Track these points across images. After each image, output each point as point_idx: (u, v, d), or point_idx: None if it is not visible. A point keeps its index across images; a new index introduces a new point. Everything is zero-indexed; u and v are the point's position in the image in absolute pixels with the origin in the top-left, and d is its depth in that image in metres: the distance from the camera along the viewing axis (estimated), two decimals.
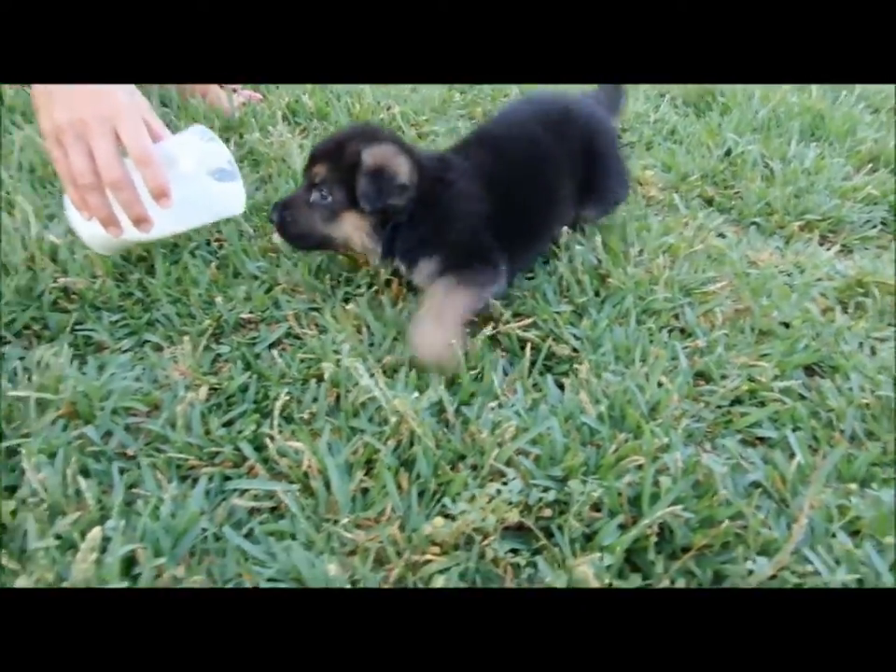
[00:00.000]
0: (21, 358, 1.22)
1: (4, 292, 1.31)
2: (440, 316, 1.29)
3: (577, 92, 1.81)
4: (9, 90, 1.99)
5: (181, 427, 1.11)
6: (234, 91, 2.18)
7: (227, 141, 1.94)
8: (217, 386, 1.22)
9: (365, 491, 1.07)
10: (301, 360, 1.28)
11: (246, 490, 1.05)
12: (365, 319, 1.37)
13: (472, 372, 1.27)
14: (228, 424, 1.15)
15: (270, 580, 0.92)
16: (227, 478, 1.08)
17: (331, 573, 0.89)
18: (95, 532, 0.85)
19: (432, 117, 2.27)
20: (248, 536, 0.99)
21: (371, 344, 1.31)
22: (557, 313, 1.43)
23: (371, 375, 1.15)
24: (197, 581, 0.91)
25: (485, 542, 0.95)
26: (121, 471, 1.05)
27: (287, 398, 1.14)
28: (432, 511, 1.03)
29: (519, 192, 1.47)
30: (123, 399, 1.15)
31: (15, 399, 1.10)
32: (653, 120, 2.42)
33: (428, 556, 0.96)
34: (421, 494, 1.05)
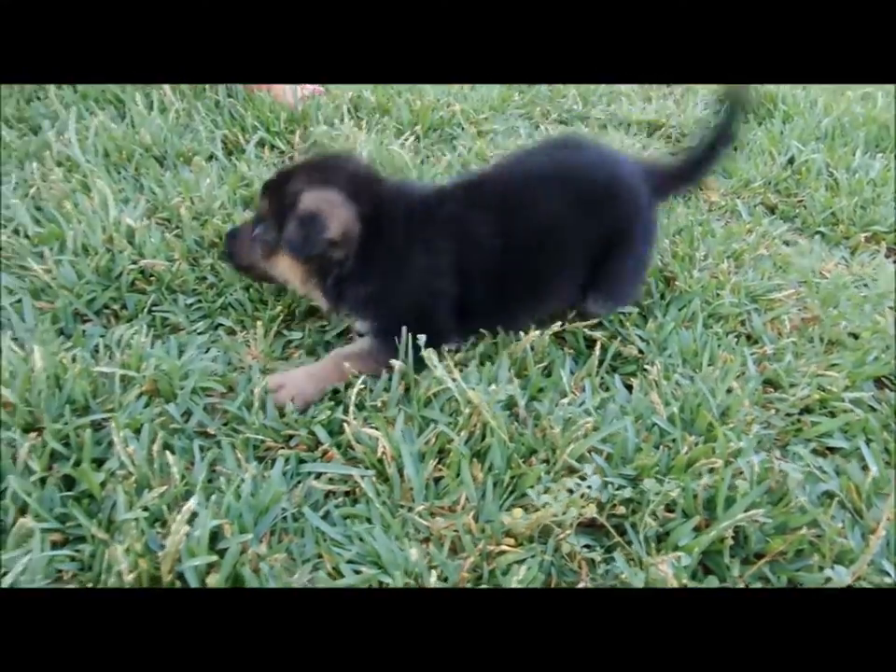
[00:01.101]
0: (102, 336, 1.25)
1: (84, 272, 1.35)
2: (322, 374, 1.20)
3: (627, 154, 1.57)
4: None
5: (257, 409, 1.13)
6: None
7: (292, 133, 1.97)
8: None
9: (437, 480, 1.08)
10: None
11: (322, 473, 1.07)
12: None
13: (539, 366, 1.27)
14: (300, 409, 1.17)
15: (349, 562, 0.94)
16: (301, 461, 1.10)
17: (413, 558, 0.90)
18: (188, 506, 0.88)
19: (491, 115, 2.27)
20: (325, 518, 1.01)
21: None
22: (623, 313, 1.43)
23: (454, 366, 1.16)
24: (278, 558, 0.93)
25: (562, 536, 0.96)
26: (202, 449, 1.08)
27: (361, 386, 1.15)
28: (505, 503, 1.04)
29: (508, 262, 1.26)
30: (202, 379, 1.18)
31: (100, 374, 1.14)
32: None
33: (504, 547, 0.97)
34: (494, 485, 1.05)
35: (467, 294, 1.25)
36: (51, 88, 1.95)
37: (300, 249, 1.20)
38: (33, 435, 1.01)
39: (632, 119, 2.39)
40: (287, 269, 1.26)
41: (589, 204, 1.29)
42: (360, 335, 1.32)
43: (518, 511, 0.97)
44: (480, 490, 1.04)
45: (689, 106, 2.52)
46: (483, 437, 1.11)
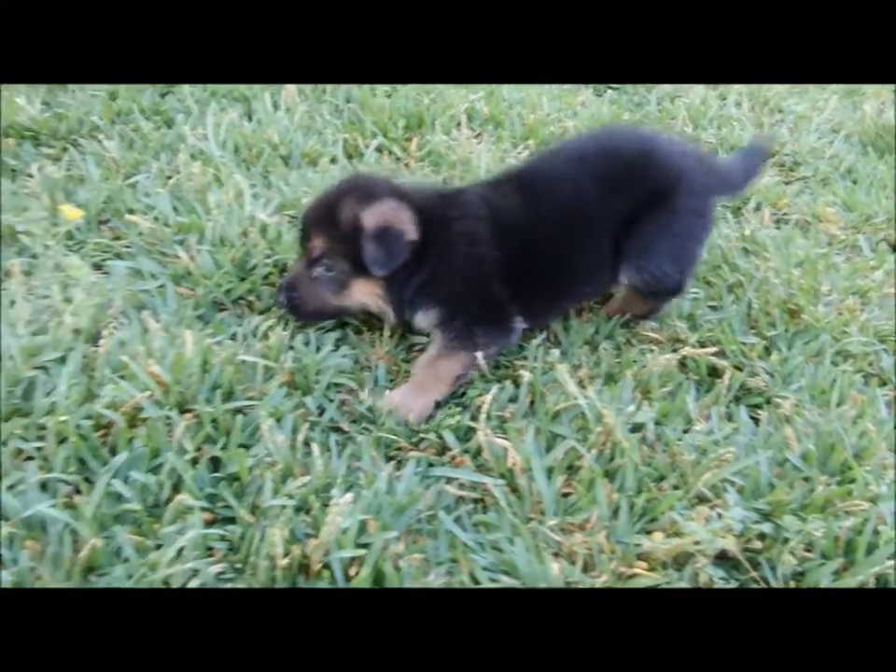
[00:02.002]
0: (239, 325, 1.30)
1: (222, 262, 1.41)
2: (422, 386, 1.20)
3: (681, 140, 1.57)
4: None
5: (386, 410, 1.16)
6: None
7: (408, 140, 2.01)
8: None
9: (564, 495, 1.08)
10: (495, 365, 1.30)
11: (454, 479, 1.08)
12: (553, 329, 1.38)
13: (663, 390, 1.26)
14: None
15: (484, 569, 0.95)
16: (430, 464, 1.11)
17: (554, 572, 0.90)
18: (346, 498, 0.90)
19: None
20: (456, 522, 1.02)
21: (563, 353, 1.32)
22: (745, 343, 1.41)
23: (578, 383, 1.17)
24: (416, 558, 0.94)
25: (700, 565, 0.95)
26: (337, 443, 1.11)
27: (490, 396, 1.16)
28: (636, 525, 1.03)
29: (543, 240, 1.29)
30: (336, 375, 1.21)
31: (242, 362, 1.18)
32: (828, 156, 2.33)
33: (636, 570, 0.96)
34: (630, 507, 1.05)
35: (510, 274, 1.27)
36: (185, 85, 2.05)
37: (387, 264, 1.20)
38: (187, 415, 1.06)
39: (743, 143, 2.34)
40: (363, 293, 1.27)
41: (619, 178, 1.32)
42: (425, 333, 1.32)
43: (658, 536, 0.96)
44: (611, 510, 1.04)
45: (803, 134, 2.46)
46: (613, 457, 1.11)
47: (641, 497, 1.04)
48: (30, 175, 1.63)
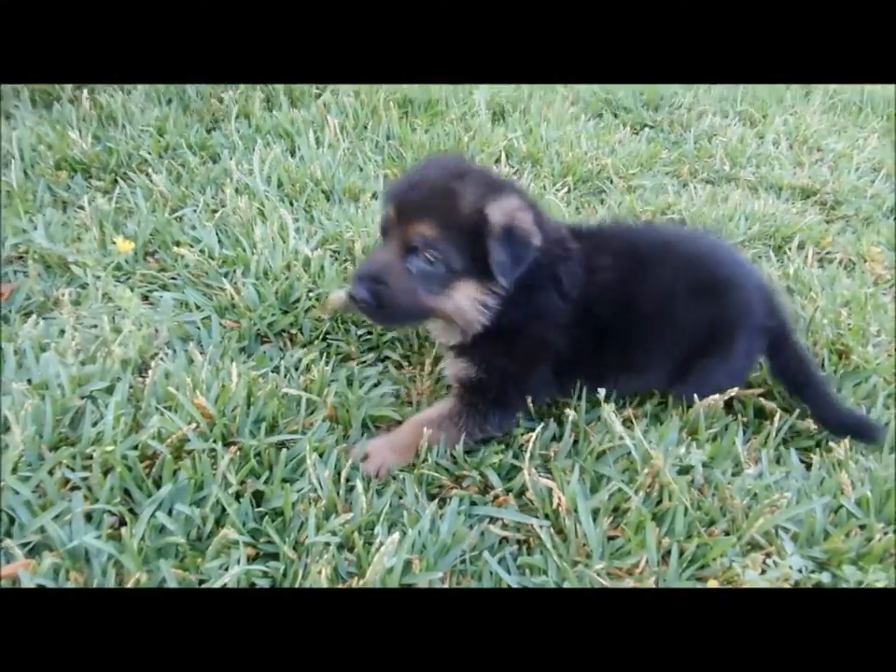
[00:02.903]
0: (281, 358, 1.31)
1: (266, 295, 1.42)
2: (405, 445, 1.13)
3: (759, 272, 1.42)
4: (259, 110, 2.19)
5: (426, 447, 1.14)
6: None
7: None
8: None
9: (611, 538, 1.05)
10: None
11: (497, 518, 1.06)
12: None
13: (710, 432, 1.23)
14: (469, 452, 1.18)
15: None
16: (473, 502, 1.09)
17: None
18: (393, 538, 0.89)
19: (639, 171, 2.27)
20: (500, 564, 1.00)
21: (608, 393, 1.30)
22: None
23: (623, 423, 1.14)
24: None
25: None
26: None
27: (535, 435, 1.14)
28: (685, 572, 1.00)
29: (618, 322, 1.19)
30: (377, 408, 1.20)
31: (284, 395, 1.18)
32: (870, 195, 2.30)
33: None
34: (670, 552, 1.02)
35: (570, 352, 1.19)
36: (232, 121, 2.10)
37: (514, 270, 1.06)
38: (231, 448, 1.06)
39: (783, 184, 2.33)
40: (466, 298, 1.10)
41: (702, 295, 1.22)
42: (448, 385, 1.24)
43: (713, 583, 0.93)
44: (660, 555, 1.01)
45: (843, 173, 2.44)
46: (660, 500, 1.08)
47: (692, 542, 1.01)
48: (81, 208, 1.67)
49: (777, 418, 1.24)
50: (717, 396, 1.23)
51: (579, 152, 2.26)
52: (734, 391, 1.23)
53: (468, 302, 1.10)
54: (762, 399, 1.31)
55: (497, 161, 2.12)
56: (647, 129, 2.68)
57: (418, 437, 1.13)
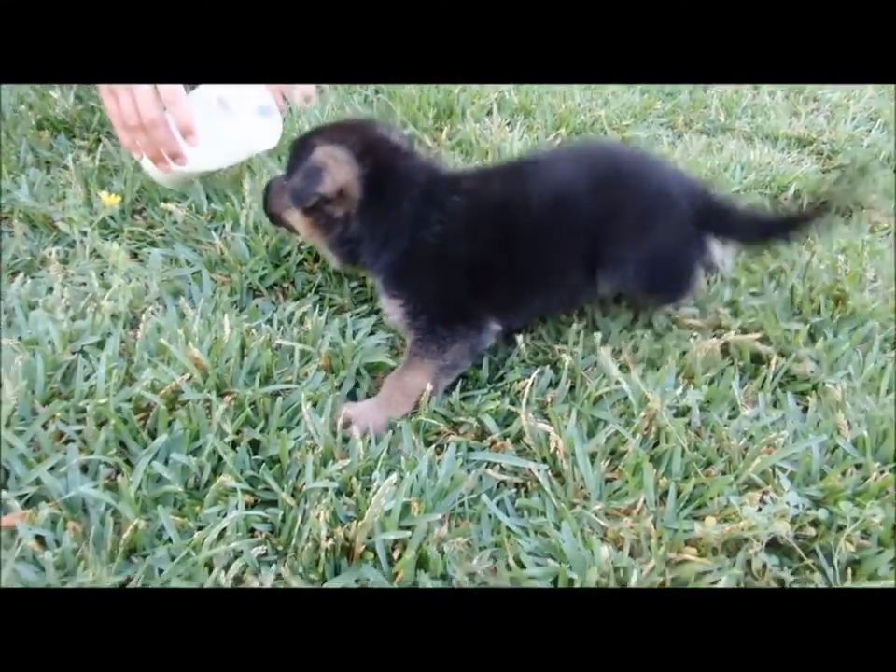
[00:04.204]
0: (274, 311, 1.30)
1: (256, 249, 1.40)
2: (388, 402, 1.13)
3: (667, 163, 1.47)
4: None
5: (425, 395, 1.14)
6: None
7: (439, 131, 1.99)
8: None
9: (607, 481, 1.06)
10: (528, 346, 1.28)
11: (495, 463, 1.06)
12: (592, 314, 1.36)
13: (706, 376, 1.23)
14: (466, 399, 1.17)
15: (529, 553, 0.93)
16: (470, 448, 1.09)
17: (604, 556, 0.88)
18: (390, 479, 0.89)
19: (633, 122, 2.23)
20: (498, 506, 1.00)
21: (604, 339, 1.29)
22: (789, 330, 1.37)
23: (620, 368, 1.14)
24: (459, 542, 0.93)
25: (753, 550, 0.92)
26: None
27: (531, 381, 1.14)
28: (683, 511, 1.00)
29: (516, 241, 1.22)
30: (372, 355, 1.20)
31: (278, 347, 1.17)
32: (866, 144, 2.28)
33: (686, 556, 0.93)
34: (667, 492, 1.02)
35: (482, 268, 1.21)
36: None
37: (295, 200, 1.21)
38: (226, 398, 1.05)
39: (779, 134, 2.30)
40: (296, 220, 1.27)
41: (598, 191, 1.23)
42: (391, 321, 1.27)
43: (711, 520, 0.93)
44: (657, 495, 1.01)
45: (839, 122, 2.41)
46: (657, 442, 1.09)
47: (689, 482, 1.01)
48: (65, 167, 1.64)
49: (773, 362, 1.24)
50: (713, 341, 1.22)
51: (572, 104, 2.22)
52: (729, 337, 1.22)
53: (298, 223, 1.28)
54: (757, 343, 1.30)
55: (489, 113, 2.08)
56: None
57: (396, 390, 1.14)
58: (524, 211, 1.22)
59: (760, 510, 0.95)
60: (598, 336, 1.16)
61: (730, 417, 1.15)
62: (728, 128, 2.34)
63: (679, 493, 1.01)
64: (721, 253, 1.34)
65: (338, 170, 1.17)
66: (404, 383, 1.15)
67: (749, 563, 0.92)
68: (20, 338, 1.16)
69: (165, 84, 1.29)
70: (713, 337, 1.30)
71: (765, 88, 2.62)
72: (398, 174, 1.22)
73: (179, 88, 1.33)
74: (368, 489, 0.97)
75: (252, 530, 0.93)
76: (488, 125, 1.99)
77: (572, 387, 1.19)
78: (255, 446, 1.03)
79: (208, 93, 1.44)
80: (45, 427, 1.01)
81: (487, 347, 1.24)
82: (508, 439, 1.10)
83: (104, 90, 1.37)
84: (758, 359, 1.31)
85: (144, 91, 1.31)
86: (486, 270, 1.21)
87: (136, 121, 1.33)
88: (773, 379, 1.24)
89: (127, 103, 1.32)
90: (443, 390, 1.17)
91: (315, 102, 2.01)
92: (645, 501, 1.00)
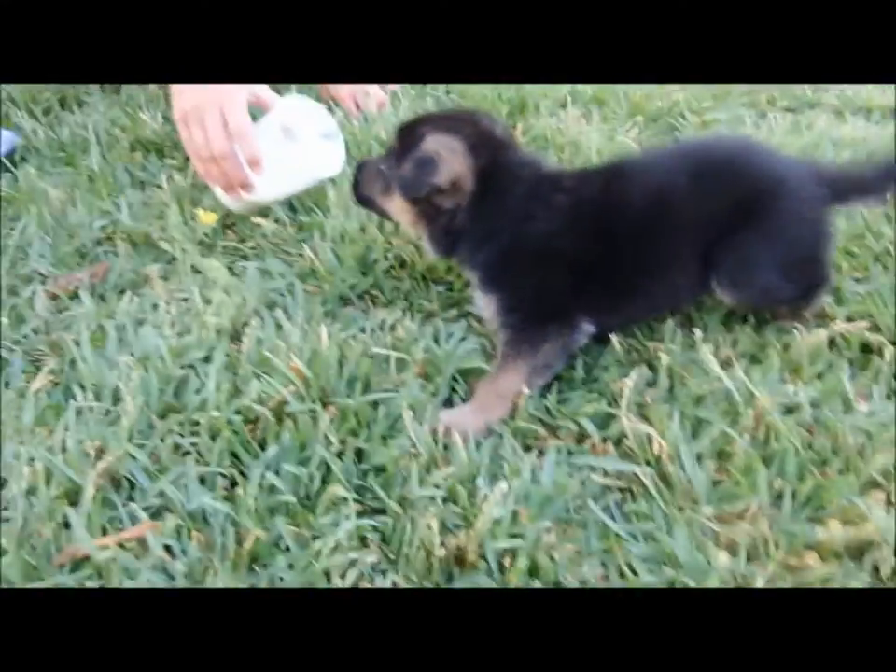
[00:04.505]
0: (365, 320, 1.32)
1: (344, 258, 1.43)
2: (483, 406, 1.12)
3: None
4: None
5: (522, 398, 1.13)
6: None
7: (513, 128, 1.97)
8: None
9: (715, 483, 1.03)
10: (622, 345, 1.25)
11: (597, 467, 1.05)
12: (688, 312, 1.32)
13: (813, 370, 1.18)
14: (562, 401, 1.16)
15: (642, 559, 0.91)
16: (570, 452, 1.09)
17: (721, 562, 0.86)
18: (502, 487, 0.89)
19: (714, 104, 2.16)
20: (604, 512, 0.99)
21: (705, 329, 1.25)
22: None
23: (723, 365, 1.11)
24: (569, 549, 0.92)
25: (882, 555, 0.87)
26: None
27: (631, 381, 1.12)
28: (800, 514, 0.96)
29: (619, 242, 1.19)
30: (466, 360, 1.20)
31: (374, 355, 1.19)
32: None
33: (808, 561, 0.90)
34: (781, 494, 0.98)
35: (580, 278, 1.19)
36: (293, 88, 2.10)
37: (406, 189, 1.20)
38: (330, 409, 1.08)
39: (872, 105, 2.17)
40: (399, 208, 1.25)
41: (708, 181, 1.19)
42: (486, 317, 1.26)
43: (835, 524, 0.90)
44: (771, 498, 0.98)
45: None
46: (766, 442, 1.05)
47: (806, 483, 0.97)
48: (158, 186, 1.72)
49: (886, 352, 1.18)
50: (820, 333, 1.17)
51: (647, 89, 2.16)
52: (837, 327, 1.17)
53: (399, 212, 1.27)
54: (867, 332, 1.23)
55: (563, 105, 2.05)
56: None
57: (491, 393, 1.14)
58: (627, 211, 1.20)
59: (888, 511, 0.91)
60: (698, 333, 1.13)
61: (843, 413, 1.10)
62: (815, 103, 2.23)
63: (794, 495, 0.97)
64: None
65: (452, 161, 1.17)
66: (498, 385, 1.15)
67: (876, 568, 0.88)
68: (131, 354, 1.22)
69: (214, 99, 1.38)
70: (818, 328, 1.25)
71: None
72: (507, 168, 1.22)
73: (247, 120, 1.40)
74: (472, 496, 0.97)
75: (363, 538, 0.95)
76: (563, 118, 1.96)
77: (671, 386, 1.17)
78: (359, 455, 1.05)
79: (274, 122, 1.49)
80: (163, 439, 1.06)
81: (579, 346, 1.23)
82: (608, 441, 1.08)
83: (179, 122, 1.44)
84: (867, 349, 1.25)
85: (214, 124, 1.38)
86: (586, 270, 1.20)
87: (208, 153, 1.40)
88: (888, 370, 1.18)
89: (199, 135, 1.40)
90: (539, 392, 1.17)
91: (388, 108, 2.04)
92: (759, 504, 0.96)
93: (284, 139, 1.47)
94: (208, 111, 1.38)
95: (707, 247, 1.20)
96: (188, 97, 1.42)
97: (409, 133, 1.25)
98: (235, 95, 1.41)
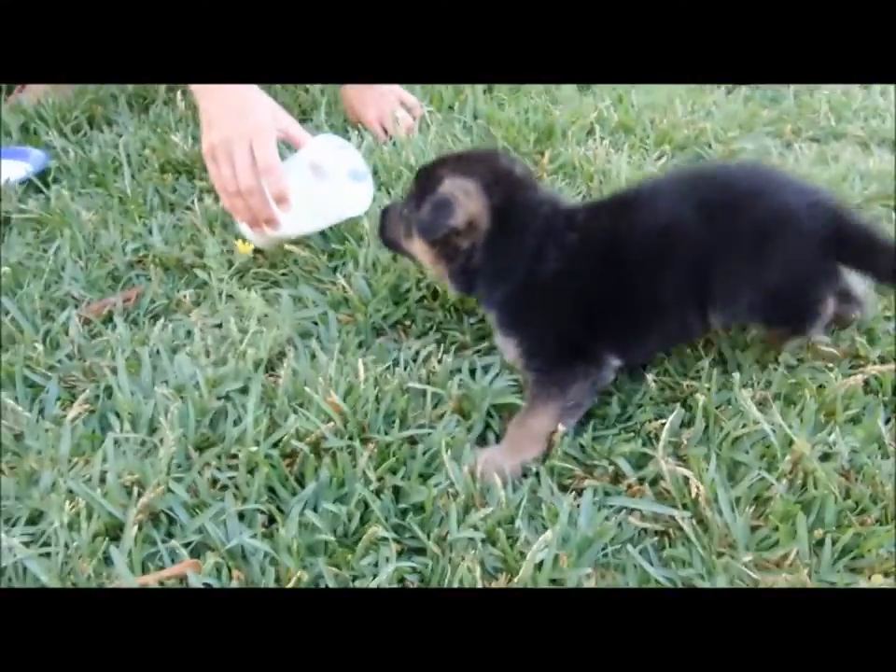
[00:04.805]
0: (398, 350, 1.32)
1: (377, 288, 1.44)
2: (515, 446, 1.12)
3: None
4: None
5: (558, 437, 1.14)
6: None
7: (541, 155, 1.98)
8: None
9: (753, 529, 1.03)
10: (656, 383, 1.25)
11: (634, 509, 1.05)
12: (719, 345, 1.32)
13: (848, 413, 1.18)
14: (596, 439, 1.16)
15: None
16: (606, 493, 1.09)
17: None
18: (546, 536, 0.89)
19: (739, 133, 2.16)
20: (641, 556, 0.99)
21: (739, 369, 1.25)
22: None
23: (759, 406, 1.11)
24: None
25: None
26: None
27: (668, 423, 1.12)
28: (838, 562, 0.96)
29: (628, 275, 1.19)
30: (501, 397, 1.20)
31: (411, 389, 1.20)
32: None
33: None
34: (820, 542, 0.98)
35: (598, 314, 1.21)
36: (322, 112, 2.12)
37: (425, 232, 1.22)
38: (368, 445, 1.09)
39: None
40: (420, 249, 1.28)
41: (717, 211, 1.18)
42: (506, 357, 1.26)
43: (878, 577, 0.89)
44: (810, 546, 0.97)
45: None
46: (804, 487, 1.05)
47: (846, 532, 0.97)
48: (188, 208, 1.73)
49: None
50: (857, 375, 1.17)
51: (673, 118, 2.16)
52: (870, 368, 1.17)
53: (421, 253, 1.30)
54: None
55: (590, 132, 2.06)
56: (741, 86, 2.53)
57: (521, 434, 1.14)
58: (633, 244, 1.21)
59: None
60: (737, 377, 1.13)
61: (881, 458, 1.10)
62: (840, 133, 2.23)
63: (833, 543, 0.97)
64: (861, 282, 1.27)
65: (468, 202, 1.19)
66: (529, 426, 1.15)
67: None
68: (166, 382, 1.23)
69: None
70: (850, 368, 1.25)
71: (877, 88, 2.48)
72: (522, 206, 1.24)
73: (276, 156, 1.41)
74: (511, 538, 0.97)
75: (402, 580, 0.95)
76: (591, 147, 1.96)
77: (706, 427, 1.17)
78: (397, 493, 1.06)
79: (303, 159, 1.50)
80: (200, 473, 1.07)
81: (609, 383, 1.23)
82: (644, 482, 1.09)
83: (206, 156, 1.46)
84: None
85: (243, 158, 1.39)
86: (600, 306, 1.21)
87: (234, 188, 1.41)
88: None
89: (227, 170, 1.41)
90: (573, 430, 1.17)
91: (416, 133, 2.05)
92: (798, 552, 0.96)
93: (312, 177, 1.48)
94: (237, 145, 1.38)
95: (706, 276, 1.19)
96: (217, 131, 1.43)
97: (427, 177, 1.28)
98: (265, 131, 1.42)
